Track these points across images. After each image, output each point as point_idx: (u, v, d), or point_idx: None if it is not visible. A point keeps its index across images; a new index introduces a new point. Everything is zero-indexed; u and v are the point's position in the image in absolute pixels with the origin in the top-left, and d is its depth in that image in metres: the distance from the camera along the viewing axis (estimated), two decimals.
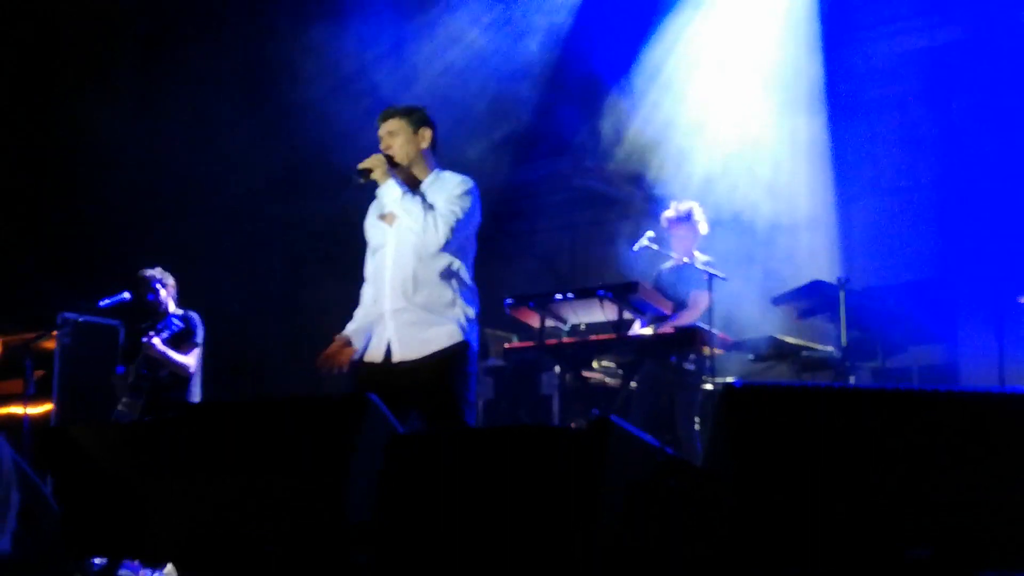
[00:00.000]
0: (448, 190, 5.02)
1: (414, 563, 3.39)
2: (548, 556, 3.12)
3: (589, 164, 9.47)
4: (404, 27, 9.06)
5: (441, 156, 5.23)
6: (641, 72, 9.36)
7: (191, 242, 8.64)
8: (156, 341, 7.05)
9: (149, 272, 7.53)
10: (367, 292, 5.19)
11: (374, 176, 5.00)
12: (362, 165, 5.02)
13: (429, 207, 4.92)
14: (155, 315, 7.51)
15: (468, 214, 4.98)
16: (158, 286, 7.50)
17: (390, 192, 4.97)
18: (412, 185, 5.10)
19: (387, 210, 5.03)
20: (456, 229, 4.91)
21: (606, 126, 9.45)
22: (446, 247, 4.92)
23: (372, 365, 5.02)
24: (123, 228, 8.75)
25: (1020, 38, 8.38)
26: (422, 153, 5.13)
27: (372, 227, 5.17)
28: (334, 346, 5.12)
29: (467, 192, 5.02)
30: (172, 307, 7.56)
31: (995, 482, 3.08)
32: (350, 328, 5.18)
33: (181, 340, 7.21)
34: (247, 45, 8.94)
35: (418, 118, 5.13)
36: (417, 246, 4.95)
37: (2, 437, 4.63)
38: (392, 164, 5.07)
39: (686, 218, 7.31)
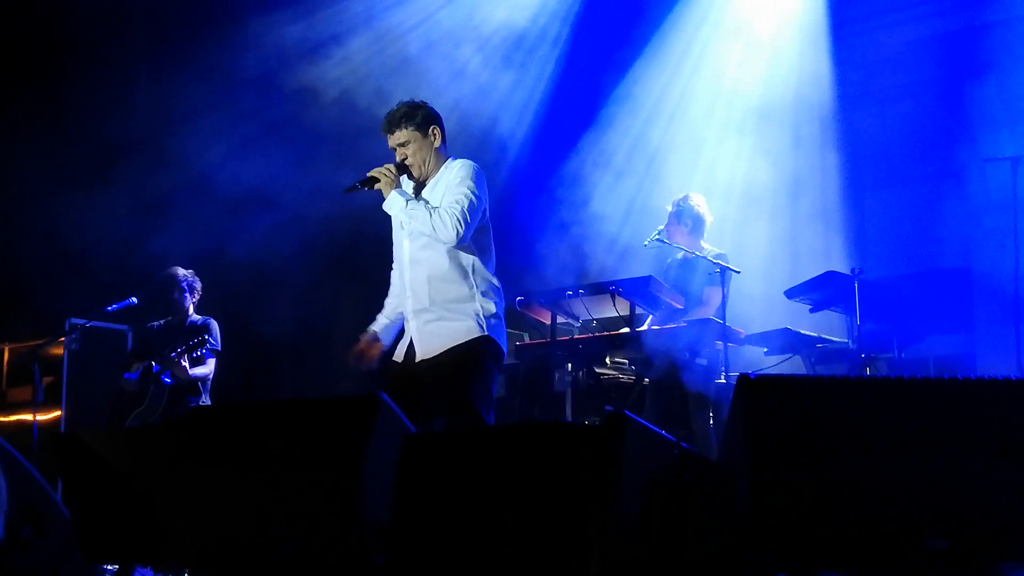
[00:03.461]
0: (450, 180, 4.96)
1: (430, 563, 3.36)
2: (565, 552, 3.08)
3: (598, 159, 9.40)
4: None
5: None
6: (650, 58, 9.30)
7: (201, 243, 8.61)
8: (189, 367, 7.05)
9: (180, 272, 7.52)
10: (394, 281, 5.17)
11: (379, 187, 4.94)
12: (371, 173, 4.96)
13: (433, 208, 4.85)
14: (175, 314, 7.50)
15: (477, 198, 4.88)
16: (184, 286, 7.49)
17: (395, 204, 4.91)
18: (419, 185, 5.06)
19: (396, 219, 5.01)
20: (467, 218, 4.81)
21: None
22: (464, 237, 4.83)
23: (397, 364, 5.03)
24: (131, 231, 8.72)
25: None
26: (436, 152, 5.06)
27: (394, 230, 5.14)
28: (362, 343, 5.10)
29: (469, 176, 4.92)
30: (192, 311, 7.55)
31: (1013, 471, 3.04)
32: (377, 323, 5.16)
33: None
34: (264, 33, 8.92)
35: (424, 117, 5.03)
36: (430, 246, 4.91)
37: None
38: (410, 176, 5.03)
39: (682, 213, 7.24)
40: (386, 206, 4.96)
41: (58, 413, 8.53)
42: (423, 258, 4.94)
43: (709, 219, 7.31)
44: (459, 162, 5.03)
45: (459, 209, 4.80)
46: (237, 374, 8.61)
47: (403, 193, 4.93)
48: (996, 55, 8.41)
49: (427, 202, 4.91)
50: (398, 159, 5.03)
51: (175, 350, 7.02)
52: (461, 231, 4.80)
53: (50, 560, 4.32)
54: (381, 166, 4.99)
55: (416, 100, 5.10)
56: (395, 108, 5.07)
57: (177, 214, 9.03)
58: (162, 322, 7.61)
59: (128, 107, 9.38)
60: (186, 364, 7.06)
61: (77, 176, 8.97)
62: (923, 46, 8.86)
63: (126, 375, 7.27)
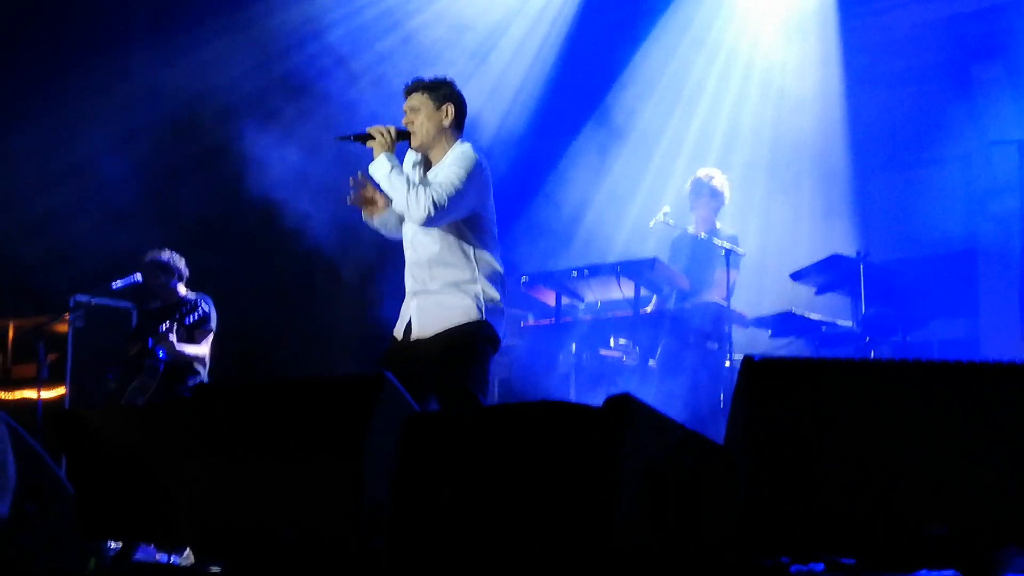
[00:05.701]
0: (443, 162, 4.88)
1: (430, 544, 3.36)
2: (567, 533, 3.08)
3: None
4: None
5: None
6: (658, 36, 9.28)
7: (202, 227, 8.60)
8: (177, 343, 6.98)
9: (159, 255, 7.41)
10: None
11: (371, 144, 4.86)
12: (370, 130, 4.88)
13: (416, 183, 4.74)
14: (166, 297, 7.45)
15: (464, 186, 4.74)
16: (164, 270, 7.39)
17: (380, 168, 4.81)
18: (428, 167, 5.01)
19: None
20: (444, 203, 4.68)
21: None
22: (435, 220, 4.71)
23: (396, 341, 4.98)
24: (133, 212, 8.72)
25: None
26: (444, 130, 4.94)
27: None
28: (369, 187, 5.04)
29: (461, 165, 4.80)
30: (183, 290, 7.46)
31: (1015, 456, 3.03)
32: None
33: (195, 327, 7.13)
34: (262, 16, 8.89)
35: (443, 93, 4.93)
36: (428, 231, 4.84)
37: None
38: (410, 144, 4.99)
39: (707, 189, 7.20)
40: (371, 168, 4.86)
41: (62, 390, 8.52)
42: (426, 240, 4.86)
43: (727, 196, 7.27)
44: (460, 147, 4.92)
45: (439, 193, 4.68)
46: (236, 358, 8.58)
47: (391, 159, 4.80)
48: (1003, 38, 8.38)
49: (422, 180, 4.83)
50: (404, 122, 4.98)
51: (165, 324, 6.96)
52: (432, 214, 4.67)
53: (54, 537, 4.34)
54: (379, 125, 4.92)
55: (448, 78, 5.03)
56: (423, 78, 5.03)
57: (179, 194, 9.05)
58: (159, 303, 7.57)
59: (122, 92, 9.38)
60: (174, 339, 6.93)
61: (80, 149, 8.96)
62: (930, 29, 8.80)
63: (108, 374, 7.24)
